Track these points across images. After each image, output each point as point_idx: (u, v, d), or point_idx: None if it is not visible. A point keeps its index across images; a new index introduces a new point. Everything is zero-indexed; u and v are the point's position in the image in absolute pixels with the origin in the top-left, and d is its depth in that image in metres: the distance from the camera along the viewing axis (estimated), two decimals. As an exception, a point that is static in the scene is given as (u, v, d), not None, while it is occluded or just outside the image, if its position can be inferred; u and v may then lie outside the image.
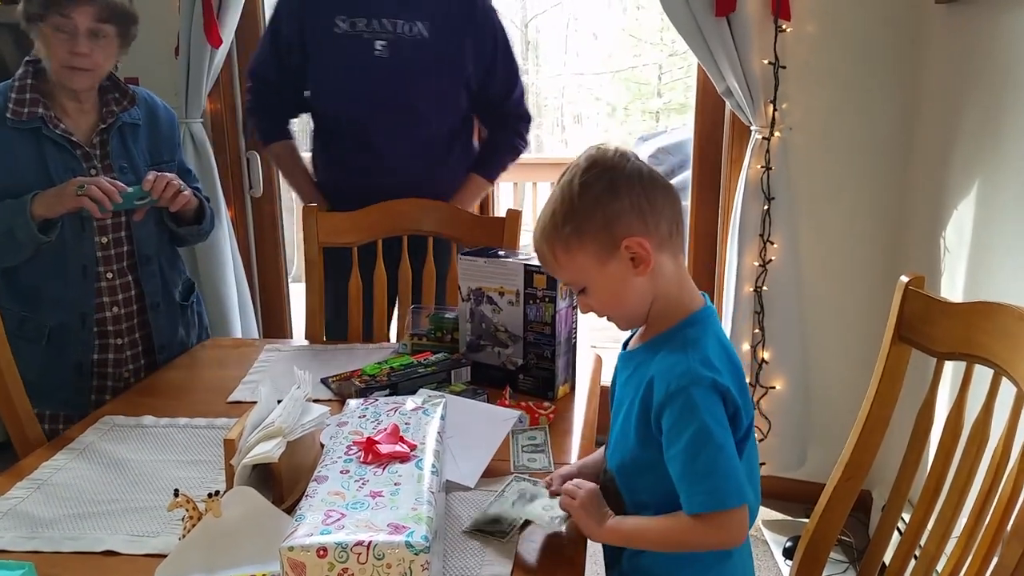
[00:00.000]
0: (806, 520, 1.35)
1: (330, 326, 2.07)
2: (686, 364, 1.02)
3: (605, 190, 1.05)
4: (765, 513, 2.56)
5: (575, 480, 1.12)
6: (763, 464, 2.46)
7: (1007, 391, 1.07)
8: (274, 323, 3.00)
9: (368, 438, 1.02)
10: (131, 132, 1.81)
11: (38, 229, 1.62)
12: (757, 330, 2.39)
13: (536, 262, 1.53)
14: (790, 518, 2.52)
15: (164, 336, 1.86)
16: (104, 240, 1.74)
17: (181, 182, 1.76)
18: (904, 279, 1.27)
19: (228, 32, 2.57)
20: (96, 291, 1.74)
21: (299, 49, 2.07)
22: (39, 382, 1.58)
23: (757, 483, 1.17)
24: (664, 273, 1.08)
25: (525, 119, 2.22)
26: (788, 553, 2.33)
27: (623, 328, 1.16)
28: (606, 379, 1.66)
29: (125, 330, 1.80)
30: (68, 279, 1.71)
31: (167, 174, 1.73)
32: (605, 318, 1.14)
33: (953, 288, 1.98)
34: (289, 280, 3.11)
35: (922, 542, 1.20)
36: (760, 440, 2.46)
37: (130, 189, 1.68)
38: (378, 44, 2.01)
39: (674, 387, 1.01)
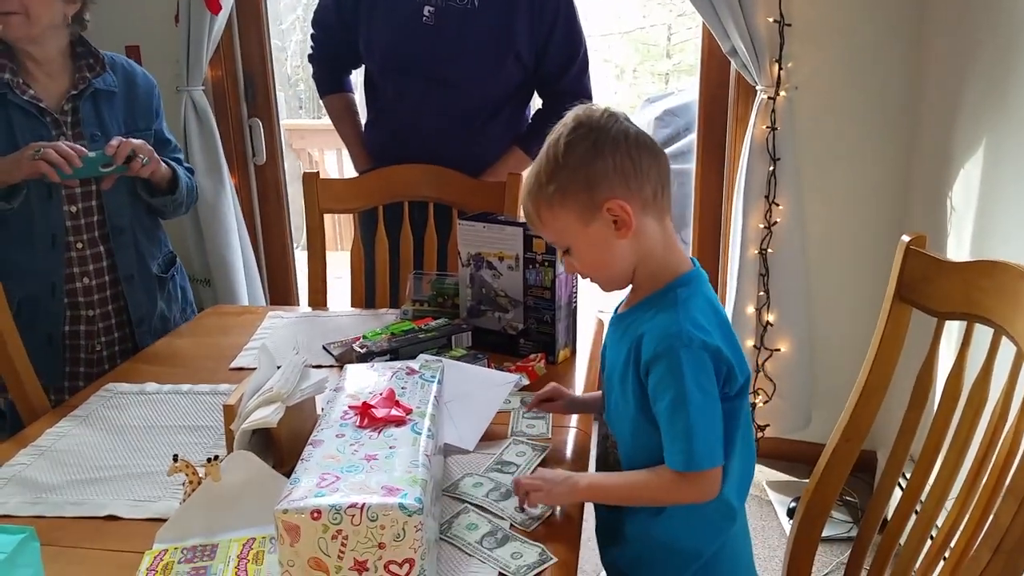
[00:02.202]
0: (810, 481, 1.36)
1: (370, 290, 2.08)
2: (677, 325, 1.02)
3: (589, 150, 1.04)
4: (769, 474, 2.57)
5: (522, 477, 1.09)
6: (767, 426, 2.47)
7: (1007, 350, 1.06)
8: (280, 291, 3.01)
9: (364, 402, 1.03)
10: (106, 99, 1.77)
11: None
12: (762, 292, 2.37)
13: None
14: (794, 479, 2.53)
15: (141, 309, 1.83)
16: (73, 209, 1.72)
17: (149, 148, 1.72)
18: (905, 238, 1.26)
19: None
20: (66, 261, 1.72)
21: (354, 3, 2.04)
22: None
23: (751, 440, 1.16)
24: (648, 235, 1.07)
25: (583, 98, 2.11)
26: (792, 513, 2.34)
27: (605, 290, 1.15)
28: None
29: (97, 302, 1.77)
30: (36, 249, 1.69)
31: (133, 140, 1.68)
32: (588, 280, 1.14)
33: (960, 248, 1.96)
34: (297, 249, 3.11)
35: (922, 498, 1.20)
36: (765, 402, 2.46)
37: (92, 154, 1.63)
38: (426, 10, 1.96)
39: (663, 347, 1.01)
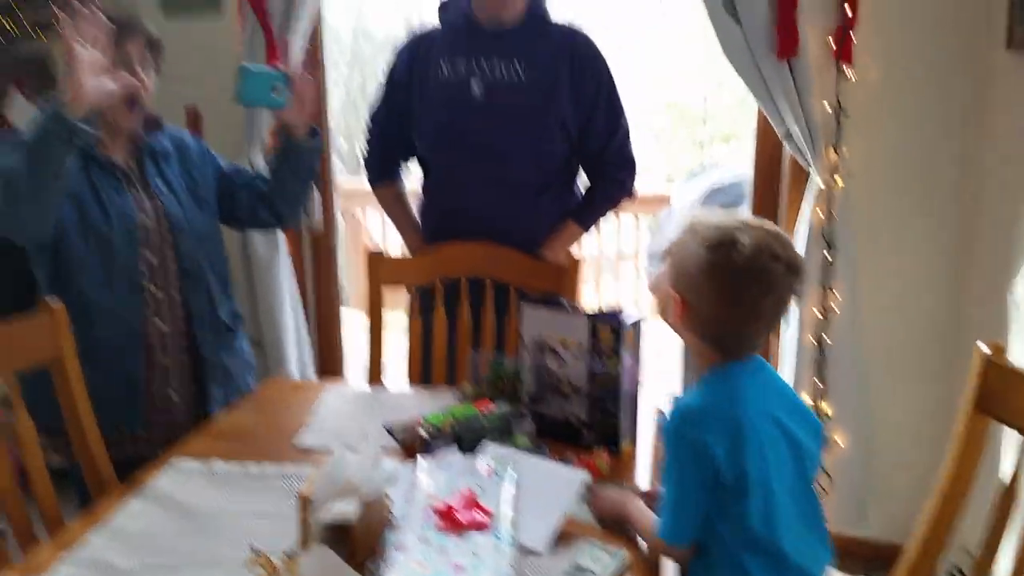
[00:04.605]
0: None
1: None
2: (677, 411, 1.15)
3: (707, 263, 1.13)
4: (821, 566, 2.50)
5: None
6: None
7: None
8: (328, 356, 3.03)
9: (448, 506, 1.03)
10: (162, 157, 1.87)
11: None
12: (817, 380, 2.35)
13: (601, 315, 1.54)
14: None
15: (209, 351, 1.87)
16: (150, 255, 1.78)
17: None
18: (984, 348, 1.24)
19: (291, 65, 2.61)
20: (144, 305, 1.77)
21: (406, 94, 2.13)
22: (92, 401, 1.59)
23: (780, 540, 1.15)
24: (695, 343, 1.20)
25: (627, 166, 2.16)
26: (844, 609, 2.27)
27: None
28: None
29: (171, 347, 1.82)
30: (116, 292, 1.75)
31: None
32: None
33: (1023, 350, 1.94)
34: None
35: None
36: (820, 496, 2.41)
37: (273, 71, 1.75)
38: (475, 85, 2.03)
39: (667, 424, 1.17)
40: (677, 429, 1.13)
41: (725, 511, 1.13)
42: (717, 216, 1.19)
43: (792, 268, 1.13)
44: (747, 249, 1.11)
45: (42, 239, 1.70)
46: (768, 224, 1.16)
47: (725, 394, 1.15)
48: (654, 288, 1.27)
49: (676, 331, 1.24)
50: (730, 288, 1.12)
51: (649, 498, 1.35)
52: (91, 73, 1.56)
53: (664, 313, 1.24)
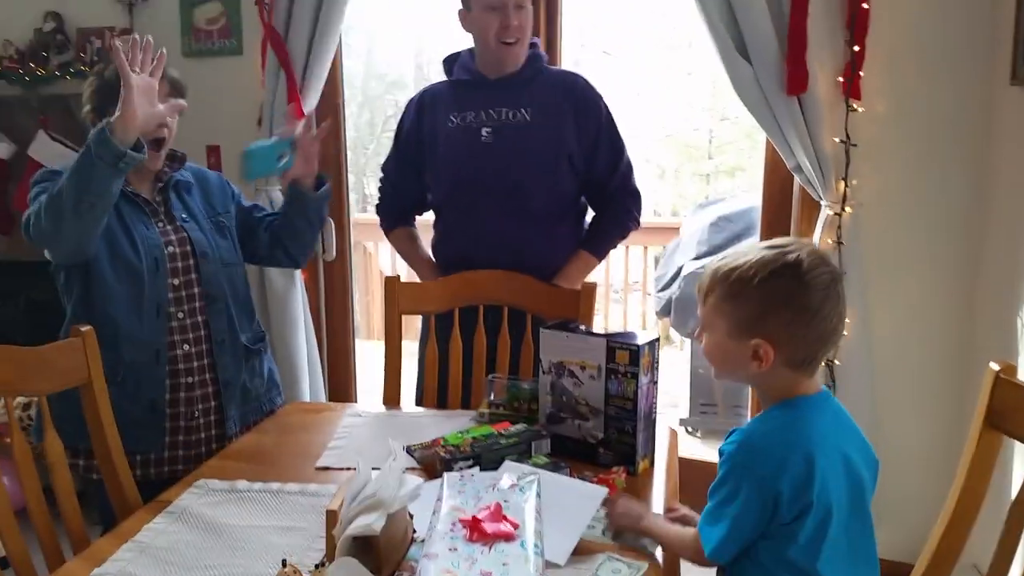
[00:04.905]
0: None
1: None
2: (744, 440, 1.15)
3: (780, 292, 1.12)
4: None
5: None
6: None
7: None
8: (340, 385, 3.06)
9: (473, 517, 1.05)
10: (185, 189, 1.94)
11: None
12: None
13: (618, 338, 1.58)
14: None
15: (227, 372, 1.91)
16: (176, 282, 1.84)
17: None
18: (995, 367, 1.27)
19: (310, 104, 2.68)
20: (168, 330, 1.83)
21: (416, 146, 2.22)
22: (116, 422, 1.63)
23: (821, 569, 1.16)
24: (776, 377, 1.16)
25: (633, 196, 2.22)
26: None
27: (716, 378, 1.29)
28: (683, 454, 1.68)
29: (196, 368, 1.86)
30: (143, 317, 1.80)
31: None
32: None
33: (1032, 370, 1.96)
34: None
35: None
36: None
37: (270, 141, 1.83)
38: (484, 131, 2.12)
39: (728, 448, 1.17)
40: (743, 458, 1.13)
41: (769, 533, 1.13)
42: (744, 255, 1.16)
43: (834, 266, 1.16)
44: (806, 264, 1.11)
45: (82, 259, 1.75)
46: (790, 239, 1.18)
47: (797, 428, 1.14)
48: (710, 354, 1.22)
49: (750, 378, 1.20)
50: (817, 305, 1.11)
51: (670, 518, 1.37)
52: (143, 98, 1.63)
53: (735, 368, 1.19)
